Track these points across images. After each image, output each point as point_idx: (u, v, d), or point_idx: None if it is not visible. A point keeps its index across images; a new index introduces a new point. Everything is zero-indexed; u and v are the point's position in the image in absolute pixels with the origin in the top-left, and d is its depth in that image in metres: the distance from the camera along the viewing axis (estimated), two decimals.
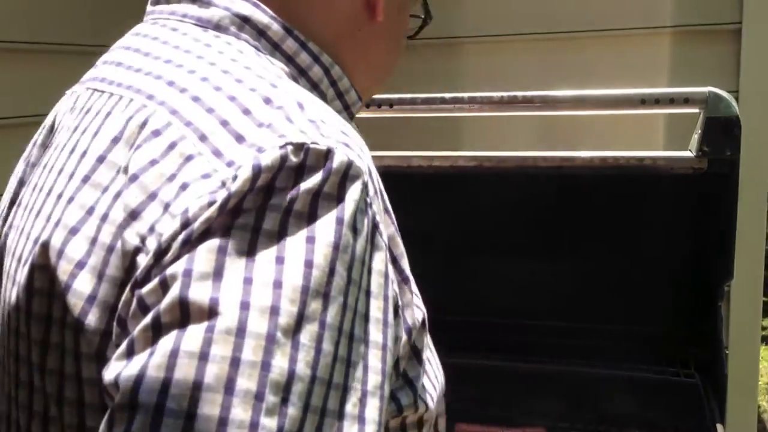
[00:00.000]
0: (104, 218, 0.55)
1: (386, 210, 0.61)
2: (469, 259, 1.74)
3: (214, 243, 0.49)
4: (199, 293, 0.48)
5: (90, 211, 0.56)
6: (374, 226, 0.55)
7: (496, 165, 1.54)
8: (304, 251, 0.50)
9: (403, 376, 0.61)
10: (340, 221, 0.51)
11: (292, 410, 0.47)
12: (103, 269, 0.54)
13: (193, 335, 0.47)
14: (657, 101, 1.43)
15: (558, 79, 2.52)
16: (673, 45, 2.54)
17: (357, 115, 1.70)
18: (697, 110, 1.43)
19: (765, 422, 4.01)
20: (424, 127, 2.65)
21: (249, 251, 0.49)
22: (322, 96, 0.67)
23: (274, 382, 0.47)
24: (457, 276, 1.76)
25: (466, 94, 1.52)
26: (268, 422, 0.46)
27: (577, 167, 1.48)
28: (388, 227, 0.60)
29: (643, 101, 1.44)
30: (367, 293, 0.53)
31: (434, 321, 1.76)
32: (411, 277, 0.63)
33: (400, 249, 0.62)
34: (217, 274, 0.48)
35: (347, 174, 0.53)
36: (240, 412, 0.46)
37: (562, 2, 2.65)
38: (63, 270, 0.56)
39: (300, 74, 0.66)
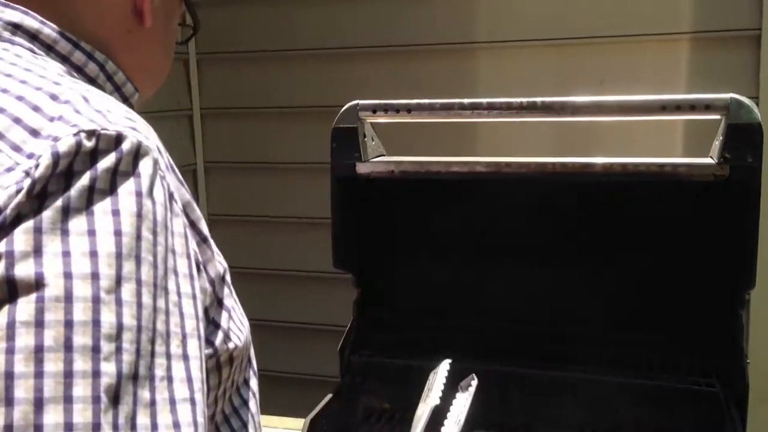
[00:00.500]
0: None
1: (180, 181, 0.70)
2: (488, 265, 1.73)
3: (28, 225, 0.56)
4: (24, 270, 0.55)
5: None
6: (170, 196, 0.65)
7: (515, 171, 1.53)
8: (112, 223, 0.58)
9: (212, 322, 0.73)
10: (138, 193, 0.60)
11: (126, 356, 0.56)
12: None
13: (25, 307, 0.54)
14: (678, 107, 1.42)
15: (575, 85, 2.51)
16: (691, 51, 2.53)
17: (377, 122, 1.70)
18: (717, 117, 1.42)
19: None
20: (443, 133, 2.65)
21: (62, 228, 0.57)
22: (101, 89, 0.75)
23: (106, 334, 0.56)
24: (476, 282, 1.75)
25: (485, 100, 1.51)
26: (108, 368, 0.55)
27: (596, 173, 1.47)
28: (183, 196, 0.70)
29: (664, 107, 1.42)
30: (174, 252, 0.63)
31: (454, 327, 1.77)
32: (209, 237, 0.73)
33: (197, 213, 0.72)
34: (37, 251, 0.55)
35: (138, 153, 0.62)
36: (81, 364, 0.54)
37: (579, 8, 2.64)
38: None
39: (77, 71, 0.74)
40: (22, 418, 0.52)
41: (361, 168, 1.62)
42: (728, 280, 1.48)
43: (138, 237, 0.59)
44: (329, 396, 1.60)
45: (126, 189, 0.60)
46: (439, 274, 1.80)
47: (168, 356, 0.60)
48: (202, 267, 0.70)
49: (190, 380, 0.60)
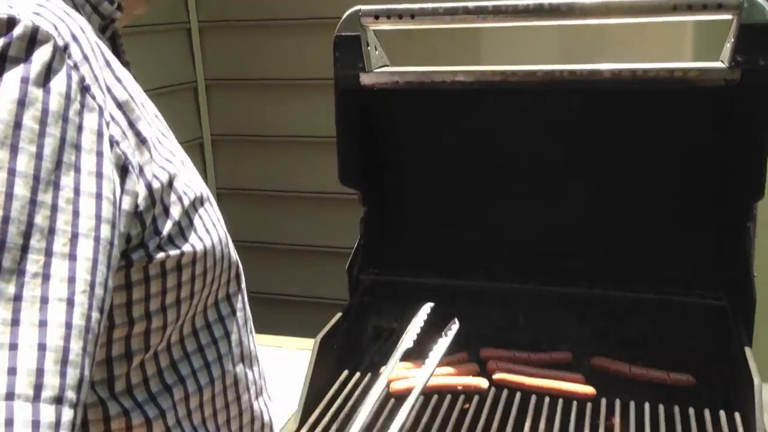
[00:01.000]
0: None
1: (117, 78, 0.68)
2: (494, 181, 1.71)
3: None
4: None
5: None
6: (82, 88, 0.62)
7: (522, 79, 1.49)
8: None
9: (154, 227, 0.70)
10: (24, 80, 0.58)
11: None
12: None
13: None
14: (689, 7, 1.35)
15: None
16: None
17: (380, 28, 1.64)
18: (729, 17, 1.36)
19: None
20: (446, 46, 2.58)
21: None
22: (79, 11, 0.74)
23: None
24: (483, 198, 1.74)
25: (490, 3, 1.45)
26: None
27: (605, 80, 1.43)
28: (119, 93, 0.68)
29: (675, 7, 1.36)
30: (76, 147, 0.61)
31: (461, 244, 1.75)
32: (149, 138, 0.70)
33: (137, 113, 0.69)
34: None
35: (34, 39, 0.59)
36: None
37: None
38: None
39: None
40: None
41: (365, 79, 1.58)
42: (737, 191, 1.46)
43: (17, 125, 0.57)
44: (338, 315, 1.61)
45: (11, 75, 0.57)
46: (445, 191, 1.78)
47: (48, 253, 0.57)
48: (133, 168, 0.66)
49: (72, 281, 0.57)
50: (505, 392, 1.44)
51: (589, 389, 1.41)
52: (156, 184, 0.69)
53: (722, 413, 1.31)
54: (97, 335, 0.60)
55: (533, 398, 1.41)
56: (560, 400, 1.40)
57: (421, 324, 1.27)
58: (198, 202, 0.77)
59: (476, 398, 1.43)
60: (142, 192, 0.68)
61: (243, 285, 0.88)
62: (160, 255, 0.70)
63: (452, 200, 1.78)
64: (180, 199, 0.74)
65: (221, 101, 3.22)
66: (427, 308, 1.31)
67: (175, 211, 0.73)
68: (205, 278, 0.78)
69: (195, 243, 0.75)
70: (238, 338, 0.86)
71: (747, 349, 1.32)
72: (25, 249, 0.56)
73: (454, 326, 1.27)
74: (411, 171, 1.81)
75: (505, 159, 1.70)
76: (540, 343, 1.59)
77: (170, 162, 0.73)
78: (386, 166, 1.80)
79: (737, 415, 1.30)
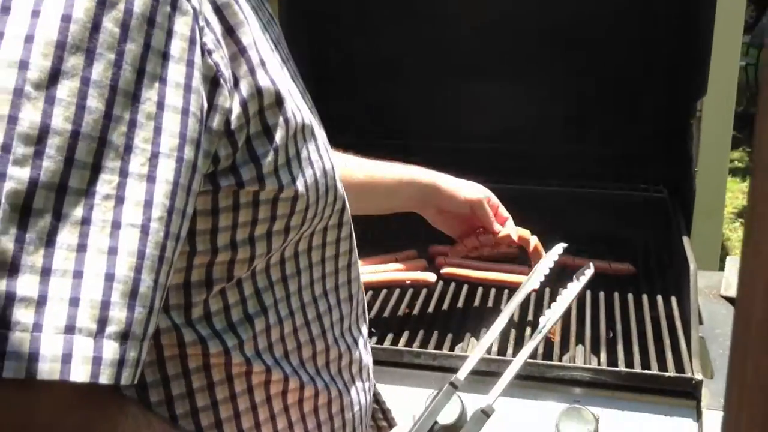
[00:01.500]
0: None
1: None
2: (445, 82, 1.71)
3: None
4: None
5: None
6: None
7: None
8: (63, 5, 0.48)
9: (249, 150, 0.61)
10: None
11: (49, 163, 0.47)
12: None
13: None
14: None
15: None
16: None
17: None
18: None
19: (728, 249, 4.18)
20: None
21: (3, 5, 0.48)
22: None
23: (23, 134, 0.47)
24: (429, 99, 1.73)
25: None
26: (18, 172, 0.46)
27: None
28: None
29: None
30: (164, 55, 0.52)
31: (413, 146, 1.76)
32: (250, 48, 0.60)
33: (239, 18, 0.59)
34: None
35: None
36: None
37: None
38: None
39: None
40: None
41: None
42: (682, 88, 1.49)
43: (95, 28, 0.49)
44: None
45: None
46: (396, 94, 1.78)
47: (123, 173, 0.50)
48: (225, 82, 0.57)
49: (149, 205, 0.50)
50: (452, 285, 1.47)
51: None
52: (253, 102, 0.60)
53: (659, 298, 1.37)
54: (171, 266, 0.53)
55: (480, 290, 1.45)
56: (506, 291, 1.44)
57: (551, 265, 1.19)
58: (307, 132, 0.67)
59: (424, 291, 1.46)
60: (236, 109, 0.58)
61: (346, 216, 0.77)
62: (253, 186, 0.61)
63: (400, 100, 1.78)
64: (287, 122, 0.63)
65: None
66: (559, 249, 1.22)
67: (279, 136, 0.62)
68: (305, 214, 0.68)
69: (297, 177, 0.65)
70: (322, 271, 0.75)
71: (685, 238, 1.37)
72: (96, 168, 0.49)
73: (588, 271, 1.13)
74: (359, 74, 1.80)
75: (455, 60, 1.70)
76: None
77: (277, 80, 0.62)
78: (334, 71, 1.79)
79: (673, 299, 1.35)
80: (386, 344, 1.27)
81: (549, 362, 1.20)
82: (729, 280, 1.50)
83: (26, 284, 0.46)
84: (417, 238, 1.60)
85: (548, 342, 1.28)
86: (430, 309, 1.39)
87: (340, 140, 1.81)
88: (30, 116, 0.47)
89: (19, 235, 0.46)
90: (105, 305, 0.48)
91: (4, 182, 0.46)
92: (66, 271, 0.47)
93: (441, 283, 1.48)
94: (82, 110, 0.48)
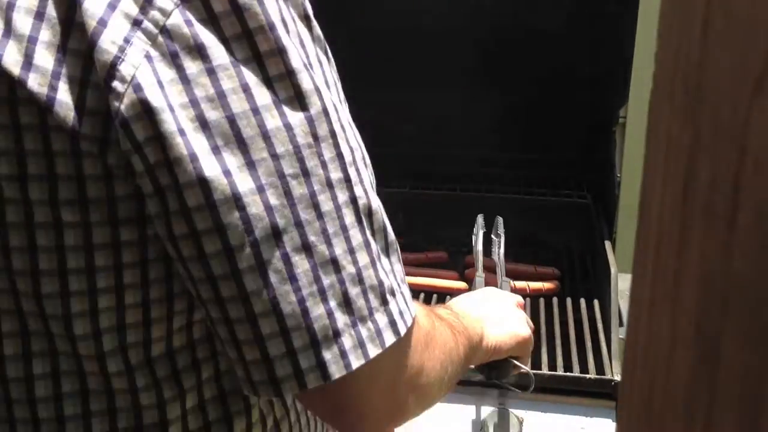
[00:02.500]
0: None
1: None
2: (368, 85, 1.70)
3: None
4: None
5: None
6: None
7: None
8: None
9: None
10: None
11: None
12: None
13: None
14: None
15: None
16: None
17: None
18: None
19: None
20: None
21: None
22: None
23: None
24: (353, 103, 1.73)
25: None
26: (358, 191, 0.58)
27: None
28: None
29: None
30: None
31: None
32: None
33: None
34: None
35: None
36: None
37: None
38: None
39: None
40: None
41: None
42: (604, 97, 1.53)
43: None
44: None
45: None
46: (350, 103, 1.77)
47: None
48: None
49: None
50: None
51: (462, 284, 1.46)
52: None
53: (582, 301, 1.40)
54: None
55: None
56: (435, 296, 1.45)
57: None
58: None
59: None
60: None
61: None
62: None
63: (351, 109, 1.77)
64: None
65: None
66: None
67: None
68: None
69: None
70: None
71: (607, 243, 1.41)
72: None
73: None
74: None
75: (394, 66, 1.69)
76: (418, 244, 1.64)
77: None
78: None
79: (596, 302, 1.39)
80: None
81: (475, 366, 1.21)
82: None
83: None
84: None
85: None
86: None
87: None
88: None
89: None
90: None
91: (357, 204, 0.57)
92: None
93: None
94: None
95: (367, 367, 0.56)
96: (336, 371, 0.55)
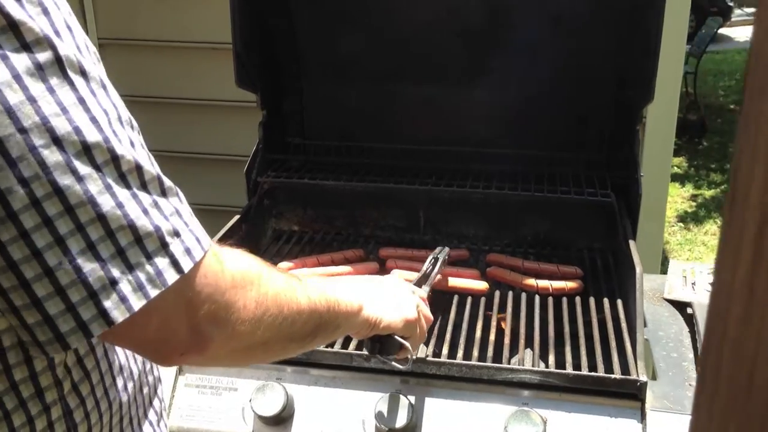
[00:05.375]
0: None
1: None
2: (395, 85, 1.70)
3: None
4: None
5: None
6: None
7: None
8: None
9: None
10: None
11: None
12: None
13: None
14: None
15: None
16: None
17: None
18: None
19: (667, 253, 4.29)
20: None
21: None
22: None
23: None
24: (382, 100, 1.73)
25: None
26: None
27: None
28: None
29: None
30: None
31: (362, 148, 1.75)
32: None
33: None
34: None
35: None
36: None
37: None
38: None
39: None
40: None
41: None
42: (629, 96, 1.51)
43: None
44: (236, 218, 1.58)
45: None
46: (346, 96, 1.77)
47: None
48: None
49: None
50: None
51: (482, 284, 1.45)
52: None
53: (606, 301, 1.39)
54: None
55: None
56: (455, 296, 1.44)
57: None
58: None
59: None
60: None
61: None
62: None
63: (350, 101, 1.77)
64: None
65: (110, 5, 3.04)
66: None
67: None
68: None
69: None
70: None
71: (631, 242, 1.39)
72: None
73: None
74: (311, 75, 1.78)
75: (406, 64, 1.69)
76: (439, 242, 1.62)
77: None
78: (285, 69, 1.77)
79: (619, 302, 1.37)
80: (336, 347, 1.26)
81: (498, 365, 1.20)
82: (672, 284, 1.53)
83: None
84: (368, 241, 1.59)
85: (497, 345, 1.29)
86: None
87: (286, 140, 1.81)
88: None
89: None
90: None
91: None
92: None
93: None
94: None
95: (154, 304, 0.62)
96: (119, 315, 0.60)
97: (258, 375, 1.24)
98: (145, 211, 0.62)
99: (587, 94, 1.60)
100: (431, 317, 1.14)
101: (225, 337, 0.70)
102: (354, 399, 1.22)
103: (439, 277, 1.35)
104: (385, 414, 1.18)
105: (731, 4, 9.85)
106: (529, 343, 1.29)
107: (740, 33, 10.34)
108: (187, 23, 2.93)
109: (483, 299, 1.42)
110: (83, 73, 0.60)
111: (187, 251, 0.64)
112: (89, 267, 0.59)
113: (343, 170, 1.70)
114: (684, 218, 4.86)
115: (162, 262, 0.62)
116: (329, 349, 1.24)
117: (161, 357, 0.69)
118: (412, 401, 1.19)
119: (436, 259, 1.34)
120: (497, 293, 1.44)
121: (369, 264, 1.54)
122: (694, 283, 1.52)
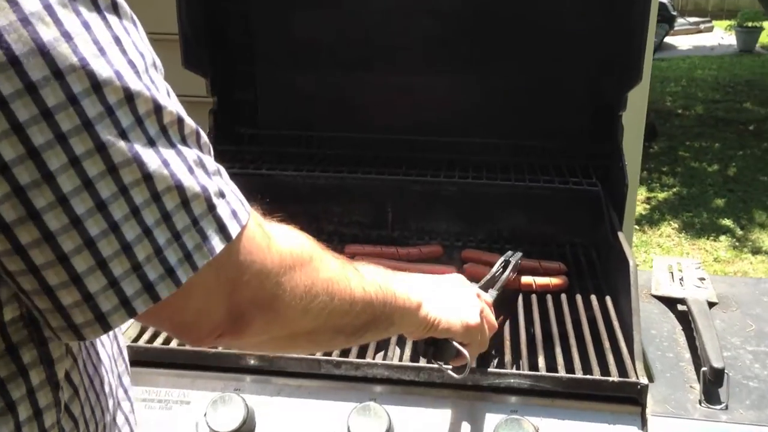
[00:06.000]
0: None
1: None
2: (355, 67, 1.57)
3: None
4: None
5: None
6: None
7: None
8: None
9: None
10: None
11: None
12: None
13: None
14: None
15: None
16: None
17: None
18: None
19: None
20: None
21: None
22: None
23: None
24: (342, 87, 1.60)
25: None
26: None
27: None
28: None
29: None
30: None
31: (321, 138, 1.62)
32: None
33: None
34: None
35: None
36: None
37: None
38: None
39: None
40: None
41: None
42: (615, 80, 1.41)
43: None
44: None
45: None
46: (304, 83, 1.63)
47: None
48: None
49: None
50: None
51: None
52: None
53: (594, 298, 1.28)
54: None
55: None
56: None
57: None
58: None
59: None
60: None
61: None
62: None
63: (309, 89, 1.63)
64: None
65: None
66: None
67: None
68: None
69: None
70: None
71: (620, 234, 1.29)
72: None
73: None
74: (266, 60, 1.64)
75: (369, 50, 1.57)
76: (409, 239, 1.50)
77: None
78: (237, 53, 1.62)
79: (608, 299, 1.27)
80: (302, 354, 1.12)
81: (483, 369, 1.08)
82: (659, 279, 1.43)
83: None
84: (331, 238, 1.45)
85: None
86: None
87: (239, 130, 1.66)
88: None
89: None
90: None
91: None
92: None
93: None
94: None
95: (198, 279, 0.55)
96: (165, 289, 0.53)
97: (213, 386, 1.09)
98: (191, 170, 0.55)
99: (566, 78, 1.50)
100: (495, 324, 1.03)
101: (267, 321, 0.64)
102: (323, 410, 1.08)
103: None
104: (359, 426, 1.04)
105: (674, 13, 10.03)
106: (515, 345, 1.17)
107: (683, 41, 10.54)
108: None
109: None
110: (114, 6, 0.52)
111: (234, 214, 0.57)
112: (133, 235, 0.51)
113: (302, 162, 1.56)
114: (639, 221, 4.84)
115: (209, 227, 0.55)
116: (293, 355, 1.10)
117: (195, 338, 0.61)
118: (390, 411, 1.05)
119: (506, 263, 1.21)
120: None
121: None
122: (682, 279, 1.42)
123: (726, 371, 1.10)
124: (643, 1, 1.28)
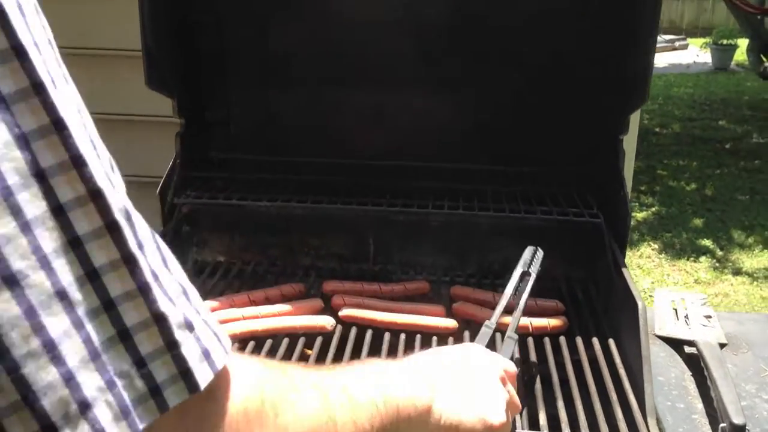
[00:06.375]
0: None
1: None
2: (335, 85, 1.46)
3: None
4: None
5: None
6: None
7: None
8: None
9: None
10: None
11: None
12: None
13: None
14: None
15: None
16: None
17: None
18: None
19: None
20: None
21: None
22: None
23: None
24: (320, 107, 1.48)
25: None
26: None
27: None
28: None
29: None
30: None
31: (296, 163, 1.50)
32: None
33: None
34: None
35: None
36: None
37: None
38: None
39: None
40: None
41: None
42: (617, 101, 1.31)
43: None
44: None
45: None
46: (280, 104, 1.52)
47: None
48: None
49: None
50: (353, 331, 1.21)
51: (451, 322, 1.22)
52: None
53: (595, 341, 1.17)
54: None
55: (387, 335, 1.20)
56: (418, 336, 1.20)
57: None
58: None
59: (320, 339, 1.19)
60: None
61: None
62: None
63: (285, 110, 1.52)
64: None
65: None
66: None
67: None
68: None
69: None
70: None
71: (625, 271, 1.18)
72: None
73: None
74: (238, 79, 1.52)
75: (351, 68, 1.46)
76: (392, 273, 1.39)
77: None
78: (207, 72, 1.50)
79: (611, 342, 1.16)
80: None
81: None
82: (662, 317, 1.33)
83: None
84: (308, 273, 1.33)
85: None
86: (327, 361, 1.13)
87: (209, 154, 1.54)
88: None
89: None
90: None
91: None
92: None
93: (340, 327, 1.22)
94: None
95: None
96: None
97: None
98: (146, 286, 0.42)
99: (563, 100, 1.40)
100: (519, 405, 0.83)
101: None
102: None
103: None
104: None
105: None
106: None
107: (659, 59, 10.58)
108: (91, 27, 2.61)
109: (451, 339, 1.19)
110: None
111: (205, 355, 0.44)
112: (44, 380, 0.37)
113: (277, 190, 1.43)
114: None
115: (162, 372, 0.42)
116: None
117: None
118: None
119: (525, 274, 1.03)
120: (467, 333, 1.20)
121: (311, 302, 1.28)
122: (687, 316, 1.32)
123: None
124: (651, 19, 1.18)
